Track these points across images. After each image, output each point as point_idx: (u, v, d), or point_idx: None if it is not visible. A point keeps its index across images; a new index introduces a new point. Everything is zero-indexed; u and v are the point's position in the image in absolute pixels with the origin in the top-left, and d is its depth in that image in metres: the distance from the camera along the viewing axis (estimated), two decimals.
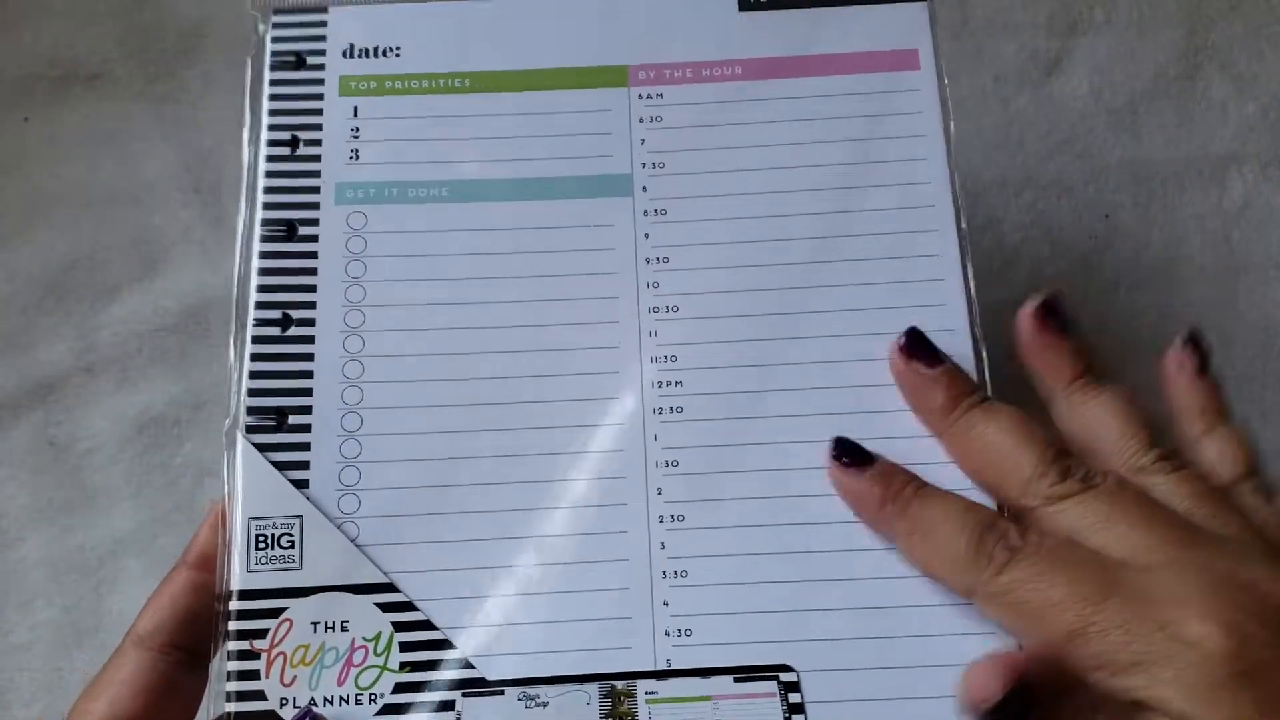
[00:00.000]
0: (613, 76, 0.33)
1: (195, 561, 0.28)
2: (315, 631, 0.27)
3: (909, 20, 0.33)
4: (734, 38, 0.33)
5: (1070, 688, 0.23)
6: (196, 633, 0.28)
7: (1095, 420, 0.28)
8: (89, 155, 0.45)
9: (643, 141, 0.32)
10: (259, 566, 0.28)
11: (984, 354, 0.30)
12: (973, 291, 0.31)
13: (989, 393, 0.29)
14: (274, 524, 0.28)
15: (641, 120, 0.33)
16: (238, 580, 0.28)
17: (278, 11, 0.33)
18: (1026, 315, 0.29)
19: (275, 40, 0.33)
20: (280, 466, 0.29)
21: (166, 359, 0.42)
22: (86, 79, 0.46)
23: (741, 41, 0.33)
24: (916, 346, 0.28)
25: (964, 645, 0.27)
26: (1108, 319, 0.44)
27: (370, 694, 0.27)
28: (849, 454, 0.28)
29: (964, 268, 0.31)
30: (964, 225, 0.31)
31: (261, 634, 0.27)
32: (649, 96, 0.33)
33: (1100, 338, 0.44)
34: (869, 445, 0.29)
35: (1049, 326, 0.28)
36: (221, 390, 0.42)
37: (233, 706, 0.27)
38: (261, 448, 0.29)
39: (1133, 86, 0.47)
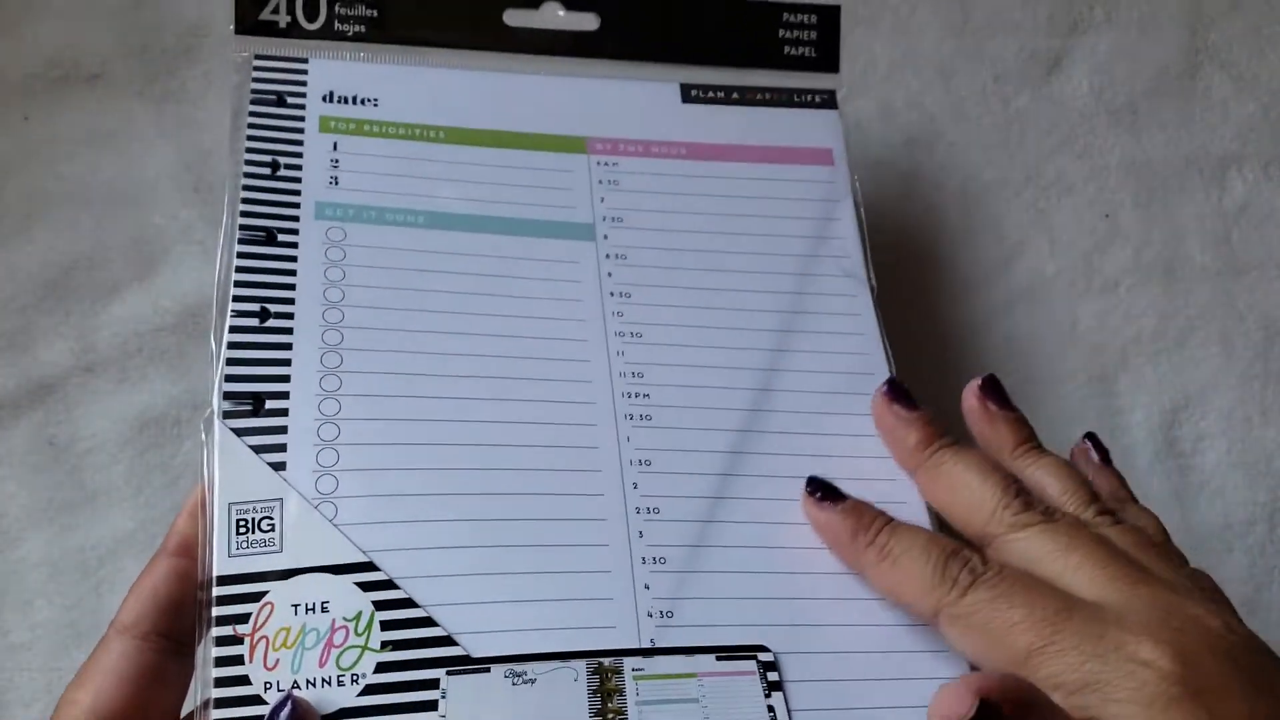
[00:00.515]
0: (573, 144, 0.37)
1: (176, 549, 0.28)
2: (296, 614, 0.27)
3: (824, 124, 0.39)
4: (678, 123, 0.38)
5: (1033, 709, 0.24)
6: (180, 620, 0.28)
7: (1040, 480, 0.30)
8: (89, 155, 0.45)
9: (602, 200, 0.36)
10: (239, 551, 0.28)
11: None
12: (886, 340, 0.35)
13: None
14: (254, 508, 0.28)
15: (601, 182, 0.36)
16: (219, 566, 0.28)
17: (260, 58, 0.36)
18: (971, 392, 0.32)
19: (256, 80, 0.36)
20: (258, 450, 0.29)
21: (166, 359, 0.42)
22: (86, 79, 0.46)
23: (684, 127, 0.38)
24: (896, 394, 0.32)
25: (931, 635, 0.29)
26: (1107, 319, 0.44)
27: (352, 674, 0.27)
28: (822, 491, 0.30)
29: (878, 318, 0.35)
30: (874, 284, 0.36)
31: (244, 618, 0.27)
32: (606, 164, 0.37)
33: (1100, 338, 0.44)
34: (826, 461, 0.32)
35: (991, 400, 0.32)
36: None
37: (217, 692, 0.26)
38: (239, 432, 0.29)
39: (1133, 86, 0.47)
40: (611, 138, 0.37)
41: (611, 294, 0.34)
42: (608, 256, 0.35)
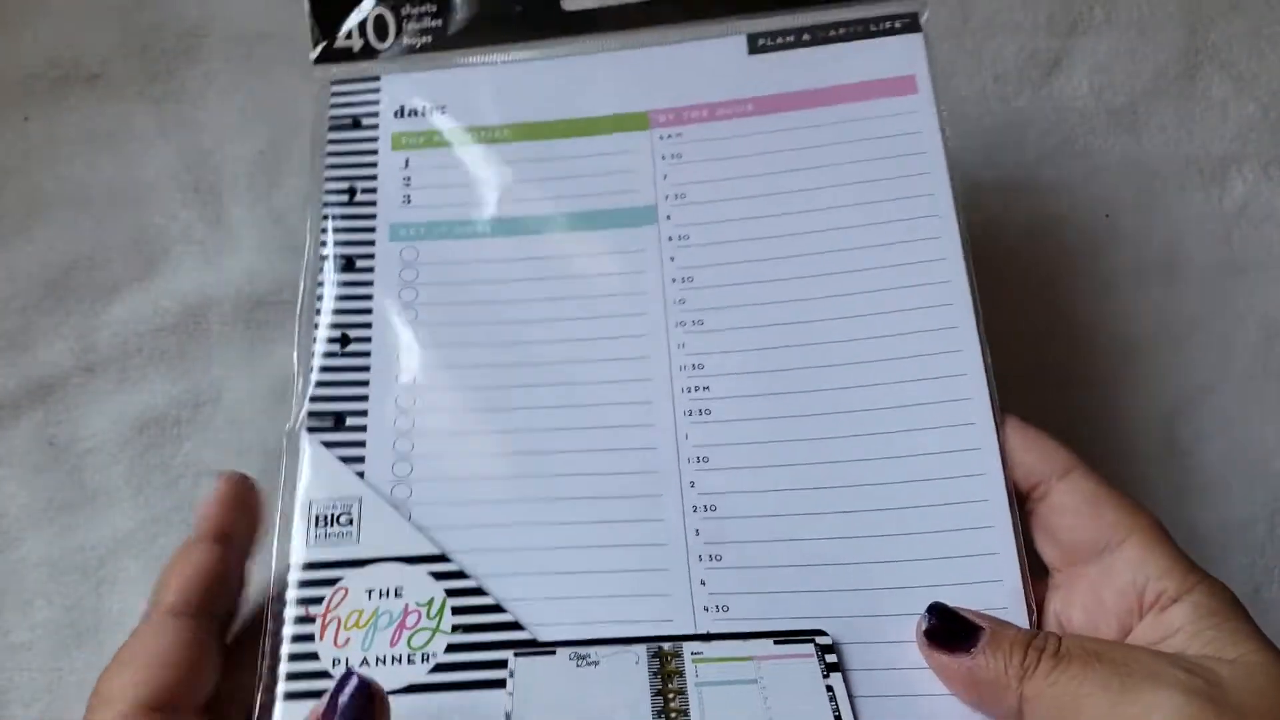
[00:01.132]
0: (636, 121, 0.36)
1: (214, 535, 0.29)
2: (370, 598, 0.29)
3: (905, 49, 0.36)
4: (745, 78, 0.36)
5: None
6: (223, 602, 0.29)
7: None
8: (89, 155, 0.45)
9: (665, 177, 0.35)
10: (317, 542, 0.30)
11: (988, 356, 0.32)
12: (974, 286, 0.33)
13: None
14: (334, 504, 0.31)
15: (663, 158, 0.35)
16: (296, 554, 0.30)
17: (335, 82, 0.37)
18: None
19: (334, 106, 0.37)
20: (339, 458, 0.32)
21: (166, 359, 0.42)
22: (86, 79, 0.46)
23: (752, 81, 0.36)
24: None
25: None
26: (1108, 319, 0.44)
27: (423, 653, 0.29)
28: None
29: (967, 266, 0.33)
30: (964, 228, 0.33)
31: (317, 601, 0.29)
32: (669, 136, 0.36)
33: (1100, 338, 0.44)
34: (899, 464, 0.30)
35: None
36: (221, 390, 0.42)
37: (286, 667, 0.28)
38: (323, 443, 0.32)
39: (1133, 86, 0.47)
40: (674, 107, 0.36)
41: (673, 280, 0.34)
42: (670, 239, 0.34)
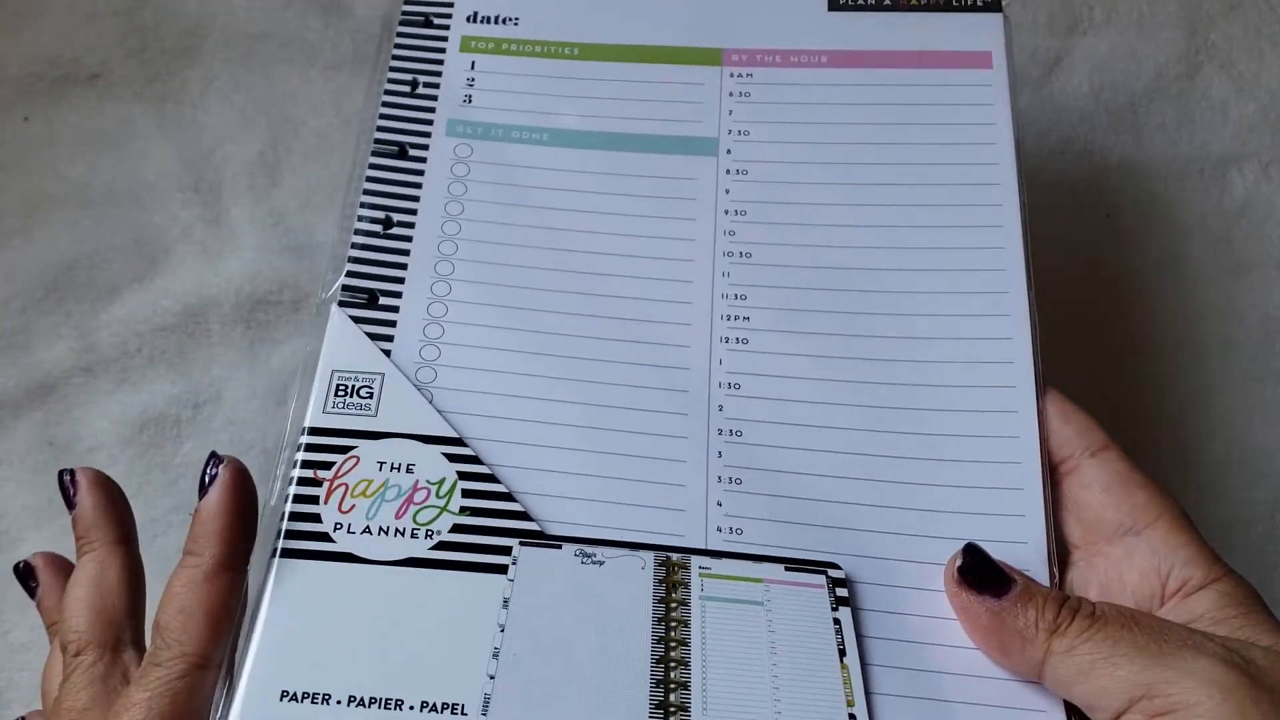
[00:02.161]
0: (708, 56, 0.37)
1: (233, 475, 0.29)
2: (381, 470, 0.30)
3: (985, 26, 0.37)
4: (822, 31, 0.37)
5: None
6: (246, 552, 0.29)
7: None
8: (89, 155, 0.45)
9: (731, 112, 0.36)
10: (334, 410, 0.30)
11: (1036, 324, 0.32)
12: (1029, 257, 0.33)
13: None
14: (356, 377, 0.31)
15: (731, 94, 0.36)
16: (312, 419, 0.30)
17: None
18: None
19: (407, 3, 0.38)
20: (368, 335, 0.32)
21: (166, 359, 0.42)
22: (86, 79, 0.46)
23: (829, 35, 0.37)
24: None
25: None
26: (1107, 319, 0.44)
27: (428, 530, 0.29)
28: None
29: (1024, 237, 0.33)
30: (1024, 201, 0.34)
31: (327, 466, 0.29)
32: (740, 75, 0.36)
33: (1100, 338, 0.44)
34: (933, 392, 0.31)
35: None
36: (221, 390, 0.42)
37: (285, 525, 0.28)
38: (353, 318, 0.32)
39: (1133, 86, 0.47)
40: (748, 49, 0.37)
41: (726, 211, 0.34)
42: (728, 172, 0.35)
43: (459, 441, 0.30)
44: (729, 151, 0.35)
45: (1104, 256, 0.45)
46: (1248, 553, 0.41)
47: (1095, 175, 0.46)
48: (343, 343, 0.31)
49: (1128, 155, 0.46)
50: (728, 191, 0.34)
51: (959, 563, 0.28)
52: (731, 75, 0.36)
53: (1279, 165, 0.46)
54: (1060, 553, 0.30)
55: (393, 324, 0.32)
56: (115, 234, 0.44)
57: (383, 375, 0.31)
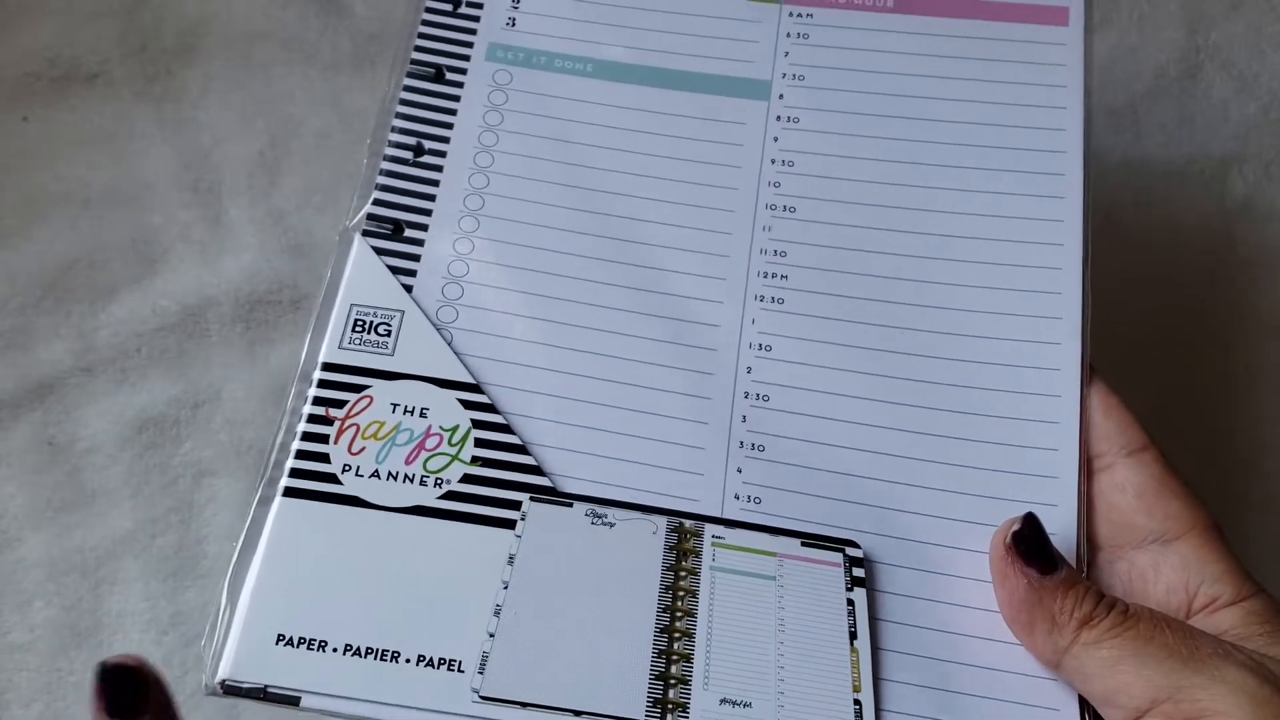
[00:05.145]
0: None
1: None
2: (394, 412, 0.29)
3: None
4: None
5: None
6: None
7: None
8: (88, 155, 0.45)
9: (786, 54, 0.34)
10: (350, 346, 0.29)
11: (1089, 309, 0.31)
12: (1090, 231, 0.31)
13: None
14: (375, 313, 0.30)
15: (789, 35, 0.34)
16: (326, 354, 0.29)
17: None
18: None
19: None
20: (390, 268, 0.31)
21: (165, 359, 0.42)
22: (86, 79, 0.46)
23: None
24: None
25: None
26: (1108, 319, 0.44)
27: (437, 478, 0.28)
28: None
29: (1086, 208, 0.32)
30: (1089, 170, 0.32)
31: (339, 405, 0.29)
32: (799, 15, 0.34)
33: (1100, 338, 0.44)
34: (970, 368, 0.29)
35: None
36: (220, 390, 0.42)
37: (292, 464, 0.28)
38: (376, 250, 0.31)
39: (1133, 86, 0.47)
40: None
41: (772, 161, 0.32)
42: (778, 119, 0.33)
43: (475, 388, 0.29)
44: (781, 97, 0.33)
45: (1105, 256, 0.45)
46: None
47: (1095, 175, 0.46)
48: (364, 275, 0.30)
49: (1128, 155, 0.46)
50: (776, 139, 0.33)
51: (1016, 528, 0.27)
52: (790, 14, 0.34)
53: (1279, 165, 0.46)
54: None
55: (416, 258, 0.31)
56: (114, 234, 0.44)
57: (402, 313, 0.30)
